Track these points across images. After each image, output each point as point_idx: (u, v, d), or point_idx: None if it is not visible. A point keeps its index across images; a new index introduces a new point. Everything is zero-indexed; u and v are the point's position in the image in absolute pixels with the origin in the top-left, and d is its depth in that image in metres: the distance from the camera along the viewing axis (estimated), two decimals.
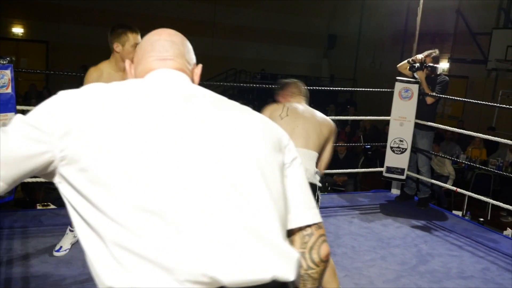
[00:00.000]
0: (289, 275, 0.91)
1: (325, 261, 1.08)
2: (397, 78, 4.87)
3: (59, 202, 4.63)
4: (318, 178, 2.52)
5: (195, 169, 0.90)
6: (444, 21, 12.77)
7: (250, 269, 0.87)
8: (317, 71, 17.93)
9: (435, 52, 4.93)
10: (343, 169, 5.85)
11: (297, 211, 1.04)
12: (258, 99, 14.85)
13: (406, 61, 4.94)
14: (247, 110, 1.09)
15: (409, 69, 4.82)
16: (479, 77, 12.37)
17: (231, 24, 17.00)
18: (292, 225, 1.04)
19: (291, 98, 2.73)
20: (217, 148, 0.94)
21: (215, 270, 0.85)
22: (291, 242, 1.04)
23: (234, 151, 0.95)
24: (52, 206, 4.20)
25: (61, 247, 3.19)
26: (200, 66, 1.21)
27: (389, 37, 15.08)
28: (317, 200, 2.53)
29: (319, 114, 2.66)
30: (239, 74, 16.92)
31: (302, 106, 2.67)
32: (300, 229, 1.05)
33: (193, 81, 1.13)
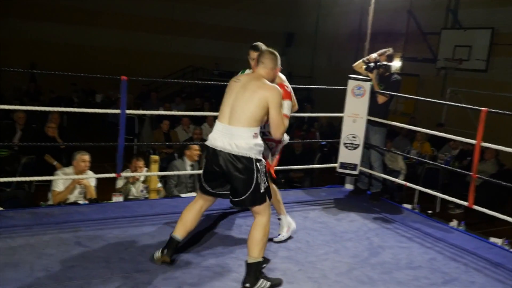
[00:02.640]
0: None
1: None
2: (350, 76, 4.98)
3: (8, 204, 4.49)
4: (254, 150, 2.86)
5: None
6: (396, 21, 13.13)
7: None
8: None
9: (389, 50, 5.07)
10: (299, 165, 5.94)
11: None
12: (216, 96, 14.80)
13: (361, 60, 5.06)
14: None
15: (366, 69, 4.95)
16: (429, 75, 12.81)
17: (189, 21, 16.85)
18: None
19: (255, 67, 3.09)
20: None
21: None
22: None
23: None
24: (0, 208, 4.06)
25: (279, 234, 3.67)
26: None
27: (344, 36, 15.37)
28: (257, 171, 2.86)
29: (258, 86, 2.91)
30: (196, 72, 16.80)
31: (247, 79, 2.99)
32: None
33: None
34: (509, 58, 10.84)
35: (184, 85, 16.70)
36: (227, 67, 16.88)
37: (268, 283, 2.91)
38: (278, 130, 2.96)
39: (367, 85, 4.90)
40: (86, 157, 4.88)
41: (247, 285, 2.88)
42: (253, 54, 3.50)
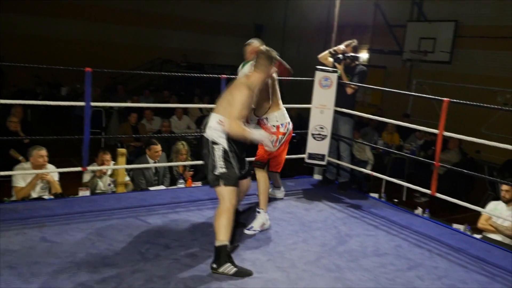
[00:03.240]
0: None
1: None
2: (317, 67, 5.02)
3: None
4: (216, 134, 3.13)
5: None
6: (363, 14, 13.30)
7: None
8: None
9: (354, 42, 5.14)
10: None
11: None
12: (185, 89, 14.68)
13: (327, 51, 5.11)
14: None
15: (334, 61, 5.00)
16: (395, 67, 13.04)
17: (157, 12, 16.62)
18: None
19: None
20: None
21: None
22: None
23: None
24: None
25: (252, 226, 3.68)
26: None
27: (312, 28, 15.46)
28: (212, 153, 3.14)
29: (238, 83, 3.25)
30: (165, 64, 16.61)
31: (240, 77, 3.47)
32: None
33: None
34: (471, 50, 11.15)
35: (152, 78, 16.51)
36: (196, 59, 16.75)
37: (234, 270, 2.96)
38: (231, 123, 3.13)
39: (334, 76, 4.95)
40: (43, 152, 4.78)
41: (214, 265, 2.98)
42: (245, 49, 4.10)
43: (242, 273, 2.98)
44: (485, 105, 4.41)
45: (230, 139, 3.15)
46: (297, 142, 9.04)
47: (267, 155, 3.88)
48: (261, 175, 3.82)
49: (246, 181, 3.56)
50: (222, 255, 2.98)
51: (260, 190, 3.78)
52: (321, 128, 5.01)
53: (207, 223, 3.83)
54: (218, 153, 3.12)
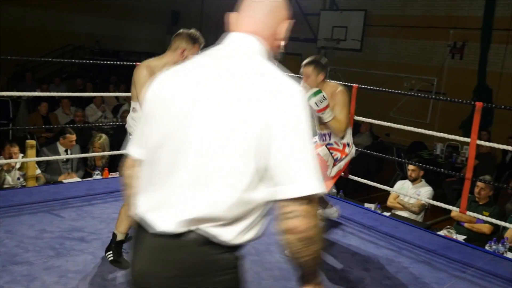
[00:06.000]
0: None
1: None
2: None
3: None
4: (132, 122, 3.03)
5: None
6: None
7: None
8: (161, 47, 17.55)
9: None
10: None
11: None
12: (99, 76, 14.10)
13: None
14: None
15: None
16: (310, 55, 13.32)
17: None
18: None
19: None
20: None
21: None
22: None
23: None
24: None
25: None
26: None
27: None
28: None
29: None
30: (77, 50, 15.82)
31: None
32: None
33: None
34: (379, 38, 11.75)
35: (64, 65, 15.66)
36: (111, 45, 16.11)
37: (111, 258, 2.99)
38: None
39: None
40: None
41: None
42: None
43: (118, 264, 2.97)
44: (392, 90, 4.66)
45: None
46: None
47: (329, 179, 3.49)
48: None
49: None
50: (111, 242, 3.02)
51: None
52: None
53: None
54: None
